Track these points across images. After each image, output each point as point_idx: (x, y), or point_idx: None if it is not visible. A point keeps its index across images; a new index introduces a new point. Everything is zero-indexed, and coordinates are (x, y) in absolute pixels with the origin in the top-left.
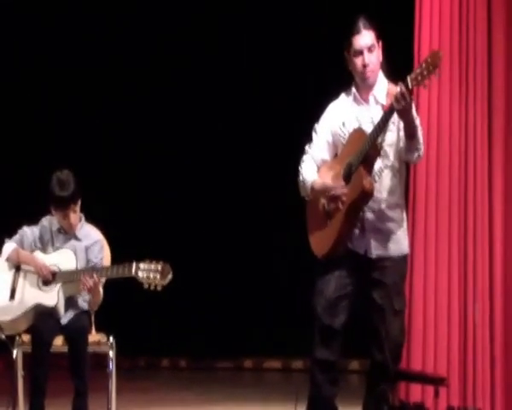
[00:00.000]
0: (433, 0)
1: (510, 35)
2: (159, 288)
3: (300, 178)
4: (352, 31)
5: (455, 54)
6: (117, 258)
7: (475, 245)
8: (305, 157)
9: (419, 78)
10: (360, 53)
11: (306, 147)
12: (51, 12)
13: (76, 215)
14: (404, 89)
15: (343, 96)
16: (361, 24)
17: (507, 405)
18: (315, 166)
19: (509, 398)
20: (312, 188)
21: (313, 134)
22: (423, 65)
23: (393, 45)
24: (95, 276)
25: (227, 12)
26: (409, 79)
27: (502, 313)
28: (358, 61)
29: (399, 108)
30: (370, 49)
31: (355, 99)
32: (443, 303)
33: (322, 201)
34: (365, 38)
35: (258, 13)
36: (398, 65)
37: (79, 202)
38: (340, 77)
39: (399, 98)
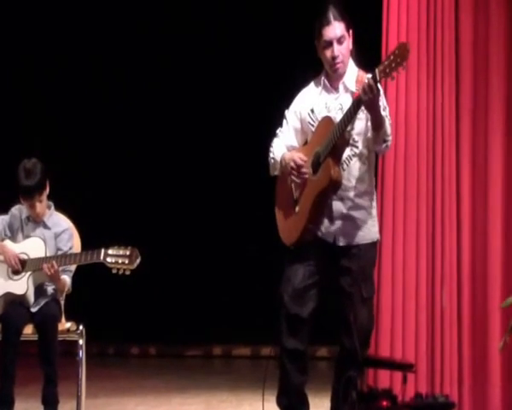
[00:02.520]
0: None
1: (478, 22)
2: (127, 272)
3: (271, 155)
4: (322, 21)
5: (422, 42)
6: (87, 246)
7: (443, 231)
8: (275, 140)
9: (387, 70)
10: (330, 44)
11: (277, 131)
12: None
13: (42, 205)
14: (371, 82)
15: (312, 83)
16: (331, 15)
17: (474, 391)
18: (285, 147)
19: (477, 384)
20: (282, 159)
21: (283, 120)
22: (391, 57)
23: (362, 31)
24: (54, 264)
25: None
26: (377, 71)
27: (469, 299)
28: (328, 53)
29: (366, 99)
30: (340, 41)
31: (325, 87)
32: (411, 289)
33: (290, 177)
34: (335, 29)
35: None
36: (366, 50)
37: (46, 192)
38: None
39: (367, 91)
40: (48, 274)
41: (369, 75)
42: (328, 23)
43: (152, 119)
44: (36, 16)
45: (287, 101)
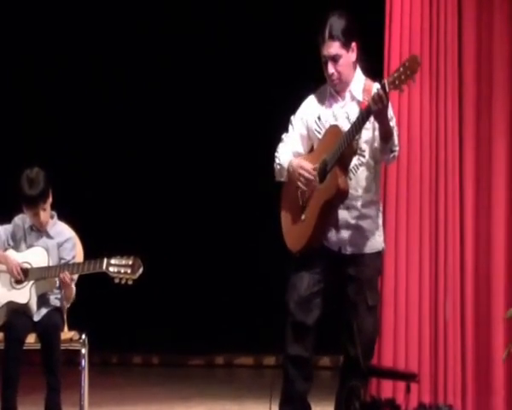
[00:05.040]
0: None
1: (481, 28)
2: (129, 282)
3: (277, 161)
4: (320, 38)
5: (425, 47)
6: (90, 255)
7: (446, 241)
8: (281, 144)
9: (396, 82)
10: (326, 61)
11: (283, 136)
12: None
13: (46, 213)
14: (381, 92)
15: (319, 91)
16: (326, 32)
17: (478, 401)
18: (291, 153)
19: (480, 394)
20: (289, 166)
21: (289, 126)
22: (401, 69)
23: (364, 37)
24: (68, 273)
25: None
26: (386, 82)
27: (472, 309)
28: (325, 69)
29: (376, 109)
30: (334, 59)
31: (331, 95)
32: (414, 299)
33: (298, 184)
34: (329, 48)
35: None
36: (369, 56)
37: (49, 200)
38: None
39: (376, 100)
40: (65, 280)
41: (377, 84)
42: (323, 41)
43: (151, 125)
44: (36, 16)
45: (288, 104)
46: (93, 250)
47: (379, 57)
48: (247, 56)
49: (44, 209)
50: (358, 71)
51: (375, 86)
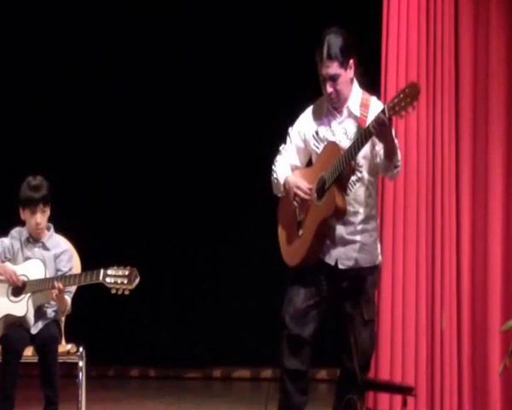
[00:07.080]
0: (400, 5)
1: (477, 42)
2: (126, 292)
3: (274, 175)
4: (318, 56)
5: (422, 59)
6: (86, 267)
7: (443, 254)
8: (278, 157)
9: (396, 108)
10: (324, 80)
11: (281, 147)
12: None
13: (44, 217)
14: (382, 116)
15: (317, 104)
16: (324, 51)
17: None
18: (288, 167)
19: (477, 407)
20: (286, 182)
21: (287, 138)
22: (401, 95)
23: (361, 40)
24: (60, 284)
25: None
26: (386, 108)
27: (469, 323)
28: (324, 87)
29: (378, 134)
30: (333, 78)
31: (329, 110)
32: (411, 312)
33: (295, 203)
34: (327, 68)
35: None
36: (366, 58)
37: (49, 207)
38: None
39: (376, 127)
40: (57, 293)
41: (375, 98)
42: (320, 60)
43: (148, 135)
44: (34, 18)
45: (288, 104)
46: (90, 262)
47: (376, 62)
48: (247, 56)
49: (43, 212)
50: (355, 85)
51: (373, 100)
